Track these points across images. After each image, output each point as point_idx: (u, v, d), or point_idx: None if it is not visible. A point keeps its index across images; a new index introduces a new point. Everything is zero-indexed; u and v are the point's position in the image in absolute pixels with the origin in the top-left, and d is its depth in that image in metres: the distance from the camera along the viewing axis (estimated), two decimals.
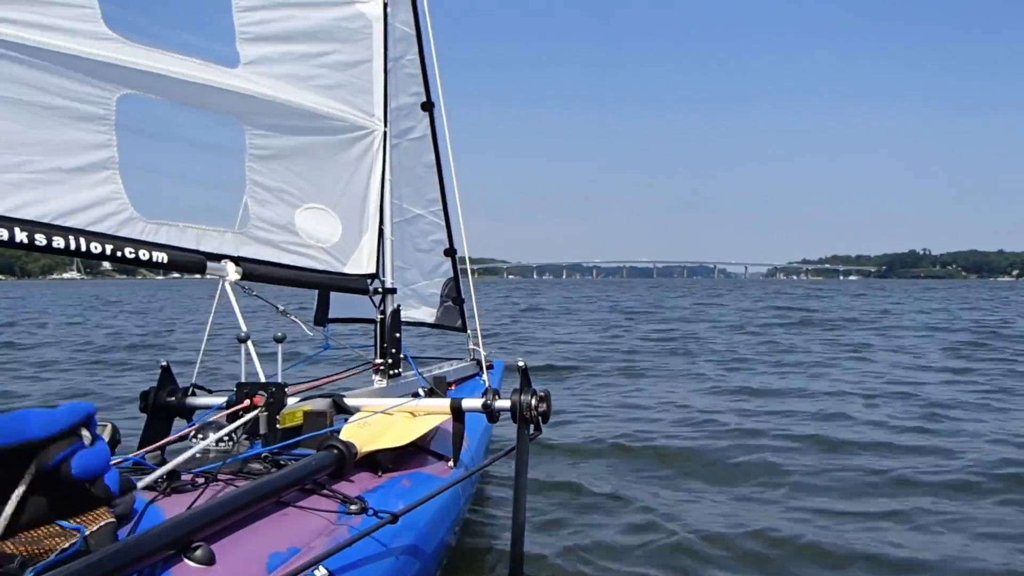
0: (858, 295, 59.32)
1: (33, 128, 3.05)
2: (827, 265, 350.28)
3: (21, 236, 2.82)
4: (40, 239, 2.86)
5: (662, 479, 6.14)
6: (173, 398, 3.92)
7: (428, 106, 5.18)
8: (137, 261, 3.18)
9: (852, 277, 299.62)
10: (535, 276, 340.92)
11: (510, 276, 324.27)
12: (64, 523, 2.13)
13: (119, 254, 3.15)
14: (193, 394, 3.97)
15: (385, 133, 4.47)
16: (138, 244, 3.26)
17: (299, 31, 4.01)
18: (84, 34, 3.18)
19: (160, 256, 3.29)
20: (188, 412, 3.91)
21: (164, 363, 4.02)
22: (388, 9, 4.49)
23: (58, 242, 2.93)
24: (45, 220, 2.98)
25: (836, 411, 8.93)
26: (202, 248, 3.59)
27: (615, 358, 15.06)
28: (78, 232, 3.05)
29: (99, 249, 3.08)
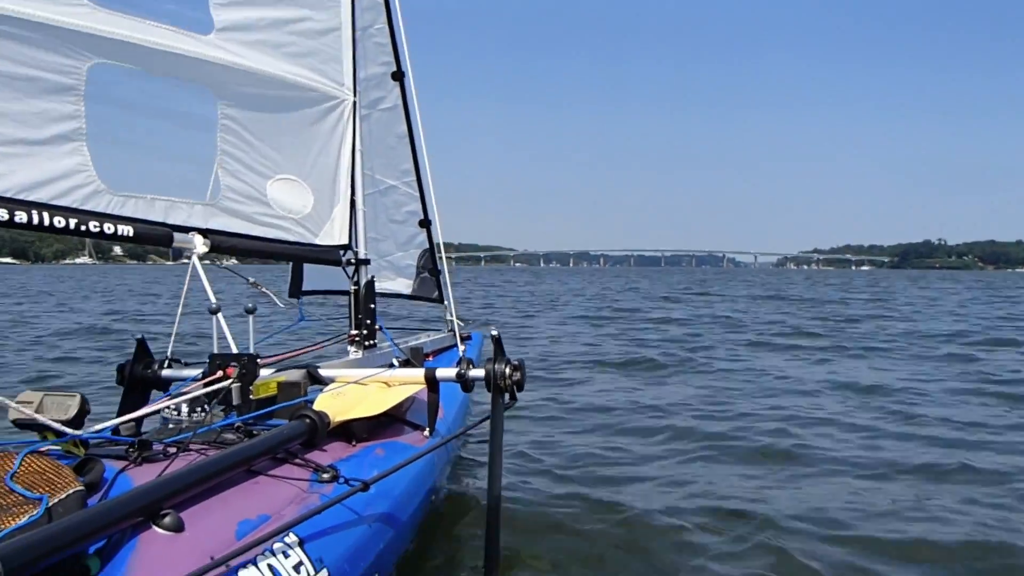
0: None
1: None
2: (839, 255, 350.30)
3: None
4: (1, 214, 2.84)
5: (629, 455, 6.21)
6: (149, 371, 3.92)
7: (398, 76, 5.15)
8: (102, 235, 3.15)
9: (864, 267, 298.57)
10: (542, 264, 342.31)
11: (517, 264, 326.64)
12: (27, 493, 2.14)
13: (83, 228, 3.12)
14: (169, 367, 3.97)
15: (355, 103, 4.46)
16: (103, 218, 3.23)
17: None
18: (57, 0, 3.13)
19: (126, 229, 3.27)
20: (164, 384, 3.91)
21: (140, 336, 4.02)
22: None
23: (20, 217, 2.90)
24: (7, 195, 2.95)
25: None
26: (170, 221, 3.57)
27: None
28: (41, 206, 3.02)
29: (63, 223, 3.05)
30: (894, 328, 19.00)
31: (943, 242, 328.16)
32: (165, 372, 3.92)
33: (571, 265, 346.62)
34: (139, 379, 3.89)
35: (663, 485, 5.34)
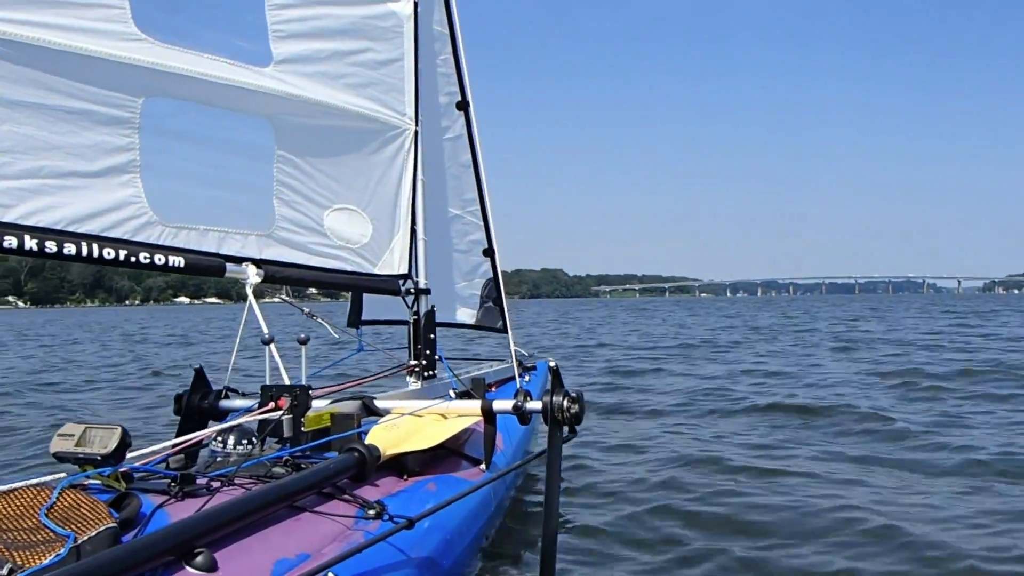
0: None
1: (53, 132, 3.05)
2: None
3: (31, 244, 2.84)
4: (50, 246, 2.88)
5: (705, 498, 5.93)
6: (205, 401, 3.91)
7: (463, 105, 5.13)
8: (152, 266, 3.17)
9: None
10: (728, 294, 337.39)
11: (702, 295, 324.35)
12: (58, 529, 2.11)
13: (133, 259, 3.14)
14: (226, 397, 3.96)
15: (416, 132, 4.44)
16: (153, 249, 3.26)
17: (332, 29, 4.02)
18: (113, 35, 3.18)
19: (176, 260, 3.29)
20: (221, 415, 3.89)
21: (198, 367, 4.01)
22: (420, 8, 4.48)
23: (69, 249, 2.93)
24: (57, 227, 2.98)
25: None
26: (223, 251, 3.58)
27: None
28: (91, 238, 3.06)
29: (112, 255, 3.08)
30: None
31: None
32: (223, 403, 3.90)
33: (759, 294, 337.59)
34: (196, 409, 3.87)
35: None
